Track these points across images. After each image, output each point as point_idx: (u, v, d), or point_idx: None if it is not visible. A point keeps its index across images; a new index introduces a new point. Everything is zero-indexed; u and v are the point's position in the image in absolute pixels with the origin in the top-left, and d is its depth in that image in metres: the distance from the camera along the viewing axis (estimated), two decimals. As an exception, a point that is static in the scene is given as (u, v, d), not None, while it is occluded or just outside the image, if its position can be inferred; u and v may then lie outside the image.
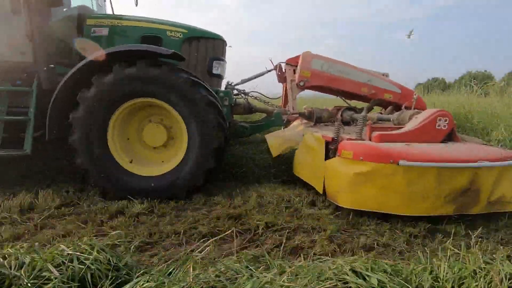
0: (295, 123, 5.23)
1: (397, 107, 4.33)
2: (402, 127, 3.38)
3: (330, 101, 7.30)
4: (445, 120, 3.20)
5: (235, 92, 4.87)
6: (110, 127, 3.50)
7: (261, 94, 5.02)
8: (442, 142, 3.27)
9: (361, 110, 4.69)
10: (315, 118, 4.64)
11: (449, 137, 3.35)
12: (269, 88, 5.48)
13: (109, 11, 5.33)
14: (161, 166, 3.70)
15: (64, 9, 4.20)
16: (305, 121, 4.85)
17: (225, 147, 3.80)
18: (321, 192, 3.43)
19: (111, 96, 3.40)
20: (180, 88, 3.41)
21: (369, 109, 4.77)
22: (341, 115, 4.58)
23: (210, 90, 3.62)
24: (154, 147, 3.80)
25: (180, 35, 4.22)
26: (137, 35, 4.14)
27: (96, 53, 3.35)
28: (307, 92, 5.44)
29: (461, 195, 2.97)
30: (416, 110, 3.59)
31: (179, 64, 3.82)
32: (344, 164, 3.13)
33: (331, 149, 3.40)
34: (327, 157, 3.40)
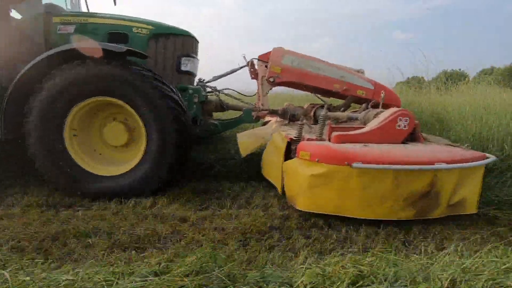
0: (272, 121, 5.11)
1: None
2: (363, 127, 3.25)
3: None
4: (406, 120, 3.06)
5: (208, 89, 4.78)
6: (66, 129, 3.44)
7: (235, 91, 4.91)
8: (403, 142, 3.13)
9: (336, 108, 4.54)
10: (289, 115, 4.51)
11: (412, 137, 3.21)
12: (249, 85, 5.34)
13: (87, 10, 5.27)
14: (124, 165, 3.65)
15: (30, 7, 4.15)
16: (280, 119, 4.74)
17: (189, 143, 3.71)
18: (280, 193, 3.34)
19: (62, 97, 3.33)
20: (133, 83, 3.33)
21: (346, 107, 4.60)
22: (314, 113, 4.44)
23: (166, 83, 3.52)
24: (116, 146, 3.76)
25: (147, 31, 4.13)
26: (103, 32, 4.07)
27: (49, 51, 3.29)
28: (300, 91, 5.26)
29: (421, 199, 2.85)
30: (381, 109, 3.44)
31: (145, 61, 3.74)
32: (302, 165, 3.02)
33: (292, 150, 3.30)
34: (289, 157, 3.30)
